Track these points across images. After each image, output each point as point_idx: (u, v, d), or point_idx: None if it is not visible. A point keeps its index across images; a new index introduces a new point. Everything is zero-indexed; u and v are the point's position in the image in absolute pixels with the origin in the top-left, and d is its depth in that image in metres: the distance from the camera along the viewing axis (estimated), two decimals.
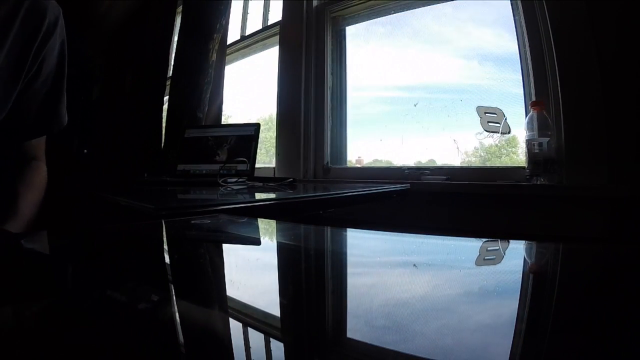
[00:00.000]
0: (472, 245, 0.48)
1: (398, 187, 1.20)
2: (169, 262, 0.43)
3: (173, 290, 0.33)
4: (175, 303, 0.28)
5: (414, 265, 0.39)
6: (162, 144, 1.88)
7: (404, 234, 0.74)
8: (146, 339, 0.21)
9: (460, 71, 1.59)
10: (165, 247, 0.53)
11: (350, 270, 0.39)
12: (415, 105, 1.62)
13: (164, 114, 1.95)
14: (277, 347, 0.22)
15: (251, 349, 0.21)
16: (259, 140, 1.47)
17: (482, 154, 1.56)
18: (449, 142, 1.55)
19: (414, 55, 1.71)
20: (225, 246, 0.53)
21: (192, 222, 0.65)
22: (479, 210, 1.31)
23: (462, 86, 1.57)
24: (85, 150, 1.45)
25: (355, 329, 0.23)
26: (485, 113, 1.40)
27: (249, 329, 0.24)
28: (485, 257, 0.42)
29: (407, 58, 1.72)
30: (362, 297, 0.30)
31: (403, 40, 1.76)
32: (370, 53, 1.87)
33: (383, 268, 0.39)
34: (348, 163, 1.80)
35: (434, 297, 0.28)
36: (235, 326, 0.24)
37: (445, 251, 0.46)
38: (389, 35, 1.82)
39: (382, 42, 1.84)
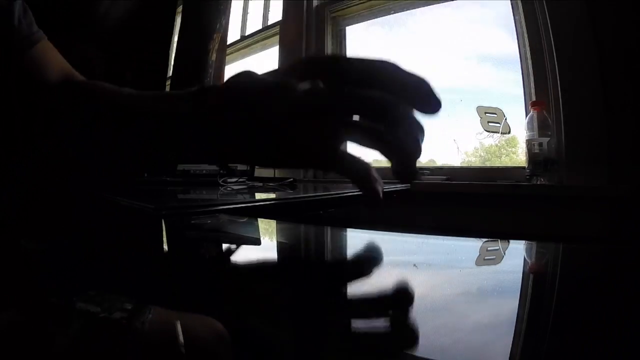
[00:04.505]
0: (472, 245, 0.48)
1: (398, 187, 1.20)
2: (168, 262, 0.43)
3: (172, 290, 0.33)
4: (174, 303, 0.28)
5: (414, 265, 0.39)
6: None
7: (404, 234, 0.74)
8: (145, 341, 0.21)
9: (460, 71, 1.59)
10: (165, 247, 0.53)
11: (350, 269, 0.39)
12: None
13: None
14: (277, 347, 0.22)
15: (251, 349, 0.21)
16: None
17: (482, 154, 1.56)
18: (449, 142, 1.56)
19: (414, 55, 1.71)
20: (225, 246, 0.53)
21: (192, 221, 0.65)
22: (479, 210, 1.31)
23: (462, 86, 1.57)
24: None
25: (354, 329, 0.23)
26: (486, 113, 1.40)
27: (249, 330, 0.24)
28: (485, 257, 0.42)
29: (407, 58, 1.72)
30: (361, 296, 0.30)
31: (403, 40, 1.77)
32: (371, 53, 1.87)
33: (383, 268, 0.38)
34: None
35: (434, 297, 0.28)
36: (234, 326, 0.24)
37: (446, 251, 0.46)
38: (388, 36, 1.82)
39: (382, 42, 1.84)
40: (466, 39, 1.59)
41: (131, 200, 0.83)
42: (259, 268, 0.41)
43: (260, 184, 1.26)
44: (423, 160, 1.62)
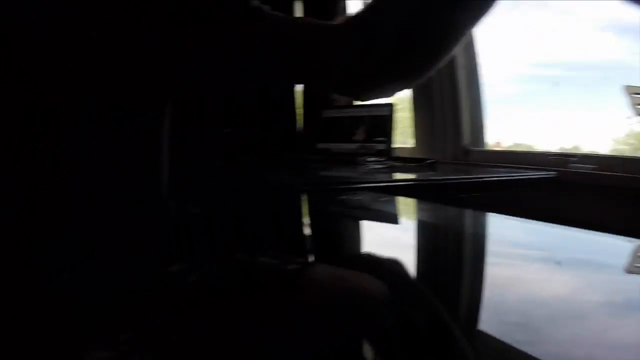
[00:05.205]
0: (623, 246, 0.45)
1: (545, 174, 1.16)
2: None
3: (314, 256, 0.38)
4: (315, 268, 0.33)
5: (558, 262, 0.38)
6: (299, 125, 1.96)
7: (548, 223, 0.71)
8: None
9: (600, 45, 1.42)
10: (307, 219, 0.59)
11: (487, 259, 0.41)
12: (554, 85, 1.50)
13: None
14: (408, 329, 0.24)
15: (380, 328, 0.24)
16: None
17: (633, 141, 1.42)
18: (595, 127, 1.43)
19: (544, 28, 1.55)
20: (372, 223, 0.57)
21: (339, 197, 0.71)
22: (633, 206, 1.21)
23: (604, 62, 1.41)
24: (228, 130, 1.58)
25: (485, 322, 0.24)
26: (635, 94, 1.27)
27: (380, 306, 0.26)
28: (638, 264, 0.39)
29: (538, 31, 1.57)
30: (495, 289, 0.31)
31: (530, 11, 1.61)
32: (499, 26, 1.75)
33: (523, 261, 0.38)
34: (486, 146, 1.75)
35: (573, 302, 0.27)
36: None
37: (593, 250, 0.44)
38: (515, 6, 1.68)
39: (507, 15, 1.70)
40: (602, 5, 1.40)
41: (280, 176, 0.91)
42: (395, 247, 0.44)
43: (400, 164, 1.28)
44: (567, 146, 1.52)
